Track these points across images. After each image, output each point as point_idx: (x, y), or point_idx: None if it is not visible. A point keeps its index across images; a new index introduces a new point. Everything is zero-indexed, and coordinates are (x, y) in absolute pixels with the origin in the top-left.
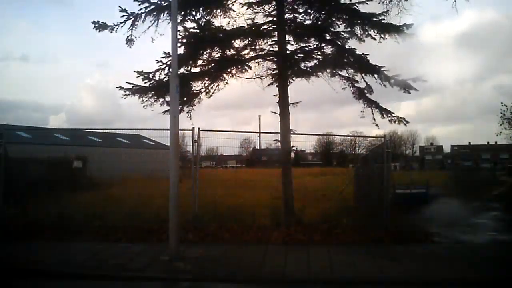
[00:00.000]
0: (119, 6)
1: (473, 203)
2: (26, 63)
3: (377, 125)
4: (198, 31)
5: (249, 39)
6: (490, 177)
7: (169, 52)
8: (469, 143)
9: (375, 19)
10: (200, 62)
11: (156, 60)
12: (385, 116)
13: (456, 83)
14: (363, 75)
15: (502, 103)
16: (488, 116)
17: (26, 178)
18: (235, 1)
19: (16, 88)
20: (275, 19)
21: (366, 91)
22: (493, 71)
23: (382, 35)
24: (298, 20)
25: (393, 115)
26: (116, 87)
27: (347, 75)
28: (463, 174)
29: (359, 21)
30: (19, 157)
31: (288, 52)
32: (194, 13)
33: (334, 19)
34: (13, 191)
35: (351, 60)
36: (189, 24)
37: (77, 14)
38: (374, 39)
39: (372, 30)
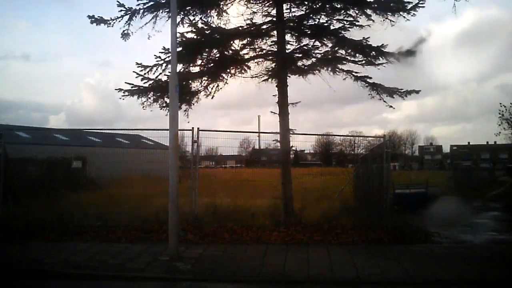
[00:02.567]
0: (117, 1)
1: (473, 203)
2: (26, 62)
3: (391, 106)
4: (196, 36)
5: (248, 39)
6: (489, 177)
7: (168, 48)
8: (469, 143)
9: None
10: (199, 62)
11: (154, 56)
12: (395, 95)
13: (458, 83)
14: (367, 58)
15: (500, 103)
16: (489, 116)
17: (25, 178)
18: (234, 0)
19: (16, 87)
20: (274, 18)
21: (368, 76)
22: (496, 70)
23: (383, 16)
24: (297, 16)
25: (401, 91)
26: (115, 89)
27: (347, 68)
28: (462, 174)
29: (357, 6)
30: (18, 157)
31: (287, 51)
32: (192, 12)
33: (332, 7)
34: (13, 191)
35: (353, 48)
36: (187, 29)
37: (78, 13)
38: (373, 21)
39: (374, 13)
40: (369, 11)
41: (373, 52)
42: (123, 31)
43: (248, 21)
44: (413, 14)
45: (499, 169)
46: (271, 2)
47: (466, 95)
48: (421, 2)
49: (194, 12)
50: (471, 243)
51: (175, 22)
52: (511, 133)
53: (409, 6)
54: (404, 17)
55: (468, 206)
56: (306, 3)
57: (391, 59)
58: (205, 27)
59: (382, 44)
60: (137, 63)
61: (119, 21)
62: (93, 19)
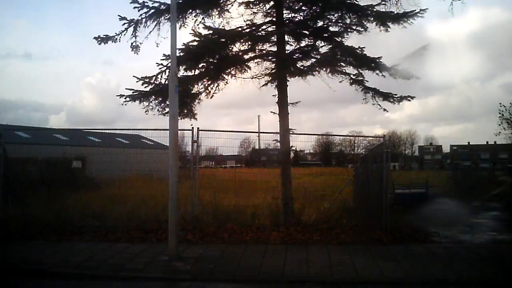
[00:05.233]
0: (119, 15)
1: (472, 203)
2: (28, 61)
3: (385, 109)
4: (199, 45)
5: (249, 41)
6: (489, 177)
7: (169, 54)
8: (468, 143)
9: (371, 10)
10: (200, 65)
11: (156, 63)
12: (389, 100)
13: (461, 82)
14: (361, 69)
15: (500, 103)
16: (491, 115)
17: (25, 178)
18: (234, 1)
19: (17, 87)
20: (274, 19)
21: (363, 80)
22: (500, 69)
23: (382, 26)
24: (297, 19)
25: (395, 96)
26: (117, 95)
27: (345, 70)
28: (462, 174)
29: (355, 14)
30: (18, 157)
31: (287, 52)
32: (194, 17)
33: (328, 14)
34: (13, 191)
35: (349, 57)
36: (190, 37)
37: (81, 11)
38: (367, 28)
39: (369, 23)
40: (364, 21)
41: (367, 64)
42: (132, 44)
43: (249, 22)
44: (404, 27)
45: (499, 169)
46: (271, 4)
47: (469, 95)
48: (419, 13)
49: (195, 13)
50: (470, 243)
51: (174, 23)
52: (511, 133)
53: (404, 19)
54: (401, 24)
55: (467, 206)
56: (304, 9)
57: (385, 73)
58: (206, 31)
59: (378, 57)
60: (139, 78)
61: (124, 34)
62: (99, 39)
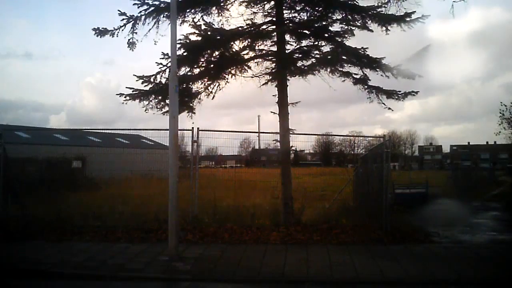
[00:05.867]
0: (119, 10)
1: (472, 203)
2: (29, 60)
3: (389, 108)
4: (198, 37)
5: (249, 40)
6: (489, 177)
7: (168, 53)
8: (468, 143)
9: (374, 11)
10: (200, 63)
11: (156, 63)
12: (394, 97)
13: (461, 82)
14: (363, 69)
15: (501, 102)
16: (491, 115)
17: (25, 179)
18: (234, 0)
19: (17, 86)
20: (274, 19)
21: (367, 79)
22: (501, 69)
23: (384, 27)
24: (297, 19)
25: (399, 93)
26: (116, 94)
27: (348, 70)
28: (462, 174)
29: (359, 15)
30: (18, 157)
31: (287, 51)
32: (193, 14)
33: (331, 15)
34: (13, 191)
35: (351, 57)
36: (189, 30)
37: (79, 11)
38: (372, 30)
39: (372, 23)
40: (368, 22)
41: (369, 65)
42: (129, 40)
43: (248, 21)
44: (403, 30)
45: (499, 169)
46: (272, 4)
47: (469, 95)
48: (421, 18)
49: (195, 11)
50: (470, 243)
51: (174, 23)
52: (511, 133)
53: (405, 21)
54: (402, 27)
55: (467, 206)
56: (307, 9)
57: (388, 73)
58: (207, 28)
59: (380, 58)
60: (138, 76)
61: (123, 29)
62: (97, 31)
